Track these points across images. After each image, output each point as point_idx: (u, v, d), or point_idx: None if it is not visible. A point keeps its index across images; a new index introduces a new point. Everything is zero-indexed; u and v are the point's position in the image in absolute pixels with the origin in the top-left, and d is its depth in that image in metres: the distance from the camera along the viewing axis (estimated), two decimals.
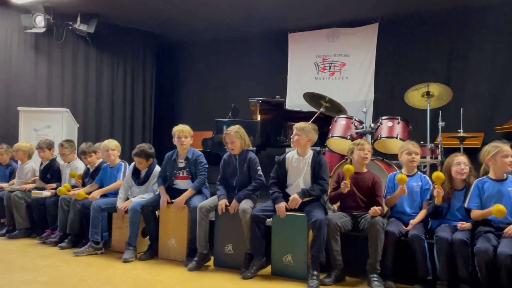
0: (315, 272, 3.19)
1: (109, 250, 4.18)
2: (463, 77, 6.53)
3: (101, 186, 4.41)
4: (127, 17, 7.58)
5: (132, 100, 8.29)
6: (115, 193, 4.28)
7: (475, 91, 6.39)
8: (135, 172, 4.24)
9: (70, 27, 7.21)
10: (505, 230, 2.86)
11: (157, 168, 4.25)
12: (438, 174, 3.14)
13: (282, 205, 3.42)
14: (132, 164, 4.29)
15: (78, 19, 7.06)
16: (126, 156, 7.32)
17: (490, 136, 5.54)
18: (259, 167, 3.70)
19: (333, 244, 3.23)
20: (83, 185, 4.64)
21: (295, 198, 3.40)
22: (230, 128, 3.78)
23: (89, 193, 4.28)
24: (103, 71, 7.90)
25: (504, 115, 6.08)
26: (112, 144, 4.41)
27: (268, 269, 3.51)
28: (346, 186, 3.33)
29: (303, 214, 3.39)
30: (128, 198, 4.19)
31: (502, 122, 5.97)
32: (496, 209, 2.82)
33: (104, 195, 4.34)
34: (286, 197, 3.52)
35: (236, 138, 3.72)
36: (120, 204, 4.09)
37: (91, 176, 4.60)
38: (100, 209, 4.06)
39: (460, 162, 3.20)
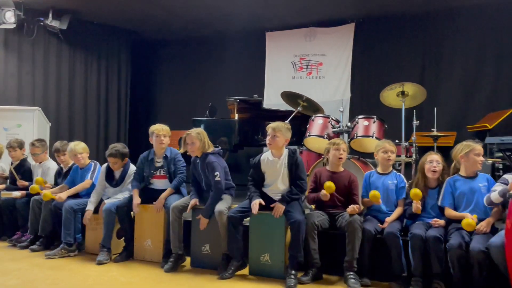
0: (293, 271, 3.20)
1: (82, 252, 4.09)
2: (436, 77, 6.68)
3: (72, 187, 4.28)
4: (101, 14, 7.41)
5: (106, 99, 8.11)
6: (88, 194, 4.18)
7: (447, 91, 6.54)
8: (109, 174, 4.15)
9: (42, 24, 7.01)
10: (477, 227, 2.94)
11: (132, 168, 4.18)
12: (415, 191, 3.16)
13: (256, 201, 3.38)
14: (104, 165, 4.19)
15: (50, 15, 6.87)
16: (100, 156, 7.20)
17: (462, 135, 5.69)
18: (217, 172, 3.57)
19: (311, 242, 3.24)
20: (56, 185, 4.52)
21: (279, 206, 3.37)
22: (192, 129, 3.74)
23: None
24: (76, 68, 7.70)
25: (475, 115, 6.25)
26: (80, 147, 4.28)
27: (245, 269, 3.49)
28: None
29: None
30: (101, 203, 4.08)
31: (473, 121, 6.15)
32: (466, 223, 2.87)
33: (76, 196, 4.24)
34: (264, 197, 3.49)
35: (196, 139, 3.66)
36: (91, 208, 4.00)
37: (64, 176, 4.49)
38: (73, 210, 3.97)
39: (432, 160, 3.27)
